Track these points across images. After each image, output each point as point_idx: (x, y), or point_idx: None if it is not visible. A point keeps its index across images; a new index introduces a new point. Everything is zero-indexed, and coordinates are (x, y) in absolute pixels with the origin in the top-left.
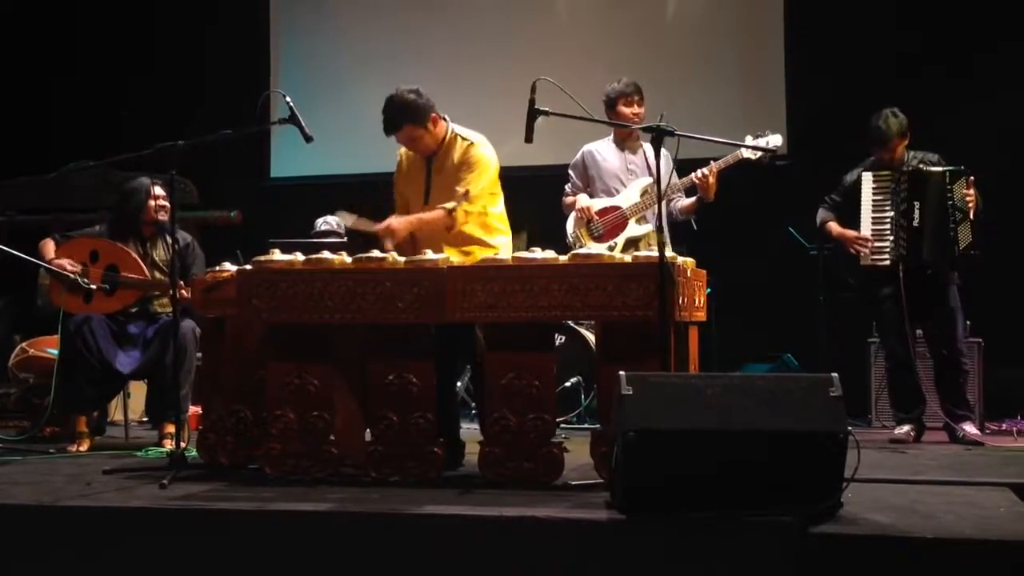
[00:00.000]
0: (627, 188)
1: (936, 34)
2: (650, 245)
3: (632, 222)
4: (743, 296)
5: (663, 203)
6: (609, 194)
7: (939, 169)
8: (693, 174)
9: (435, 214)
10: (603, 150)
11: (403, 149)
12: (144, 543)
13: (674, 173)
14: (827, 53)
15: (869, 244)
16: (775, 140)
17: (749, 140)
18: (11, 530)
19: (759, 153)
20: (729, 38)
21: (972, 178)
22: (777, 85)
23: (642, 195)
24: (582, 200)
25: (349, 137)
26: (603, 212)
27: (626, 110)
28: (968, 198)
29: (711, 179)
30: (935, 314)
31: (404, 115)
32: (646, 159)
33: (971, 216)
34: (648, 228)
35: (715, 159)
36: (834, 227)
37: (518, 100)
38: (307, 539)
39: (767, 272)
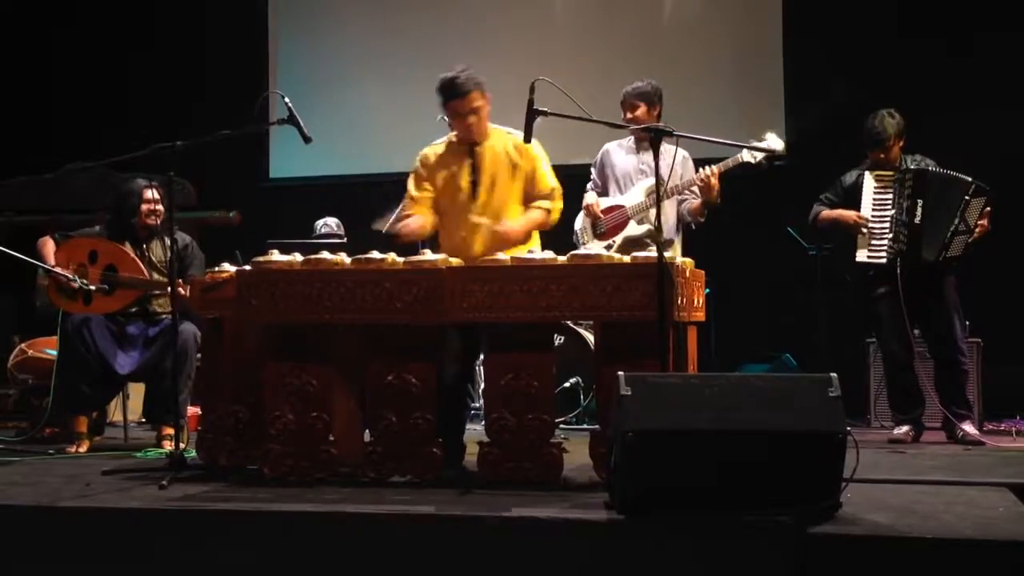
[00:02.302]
0: (634, 187)
1: (936, 35)
2: (648, 245)
3: (632, 222)
4: (742, 296)
5: (675, 203)
6: (621, 193)
7: (968, 179)
8: (695, 176)
9: (540, 216)
10: (618, 150)
11: (425, 150)
12: (143, 544)
13: (674, 169)
14: (826, 53)
15: (867, 224)
16: (776, 143)
17: (751, 143)
18: (10, 531)
19: (759, 156)
20: (727, 38)
21: (989, 208)
22: (776, 85)
23: (647, 195)
24: (588, 197)
25: (348, 138)
26: (608, 210)
27: (628, 114)
28: (980, 222)
29: (712, 181)
30: (933, 313)
31: (475, 82)
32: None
33: (970, 237)
34: (647, 228)
35: (713, 160)
36: (828, 212)
37: (517, 100)
38: (306, 540)
39: (766, 272)
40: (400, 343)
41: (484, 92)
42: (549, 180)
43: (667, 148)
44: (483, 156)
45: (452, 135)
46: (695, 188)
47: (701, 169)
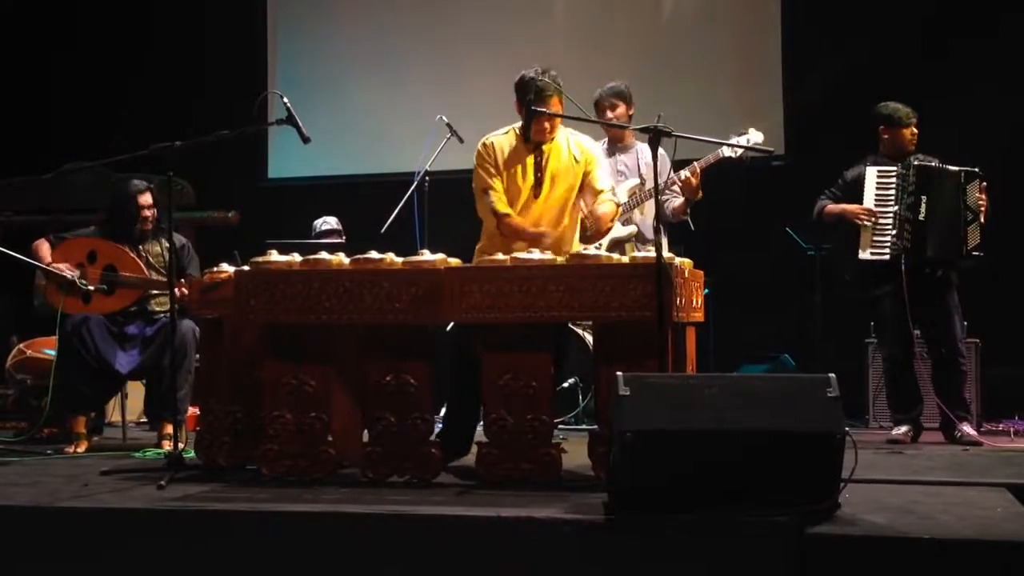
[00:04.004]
0: (616, 189)
1: (936, 35)
2: (635, 246)
3: (617, 223)
4: (740, 297)
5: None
6: None
7: (955, 168)
8: (675, 174)
9: (614, 208)
10: None
11: (490, 138)
12: (142, 544)
13: (671, 172)
14: (825, 52)
15: (873, 217)
16: (756, 137)
17: (732, 139)
18: (9, 531)
19: (739, 151)
20: (726, 37)
21: (985, 184)
22: (775, 84)
23: (629, 196)
24: None
25: (346, 138)
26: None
27: (607, 114)
28: (980, 202)
29: (694, 181)
30: (933, 314)
31: (559, 87)
32: (638, 160)
33: (981, 219)
34: (632, 229)
35: (701, 157)
36: (833, 207)
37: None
38: (304, 540)
39: (765, 272)
40: (399, 343)
41: (561, 96)
42: (603, 182)
43: (643, 147)
44: (548, 154)
45: (516, 126)
46: (675, 187)
47: (681, 170)
